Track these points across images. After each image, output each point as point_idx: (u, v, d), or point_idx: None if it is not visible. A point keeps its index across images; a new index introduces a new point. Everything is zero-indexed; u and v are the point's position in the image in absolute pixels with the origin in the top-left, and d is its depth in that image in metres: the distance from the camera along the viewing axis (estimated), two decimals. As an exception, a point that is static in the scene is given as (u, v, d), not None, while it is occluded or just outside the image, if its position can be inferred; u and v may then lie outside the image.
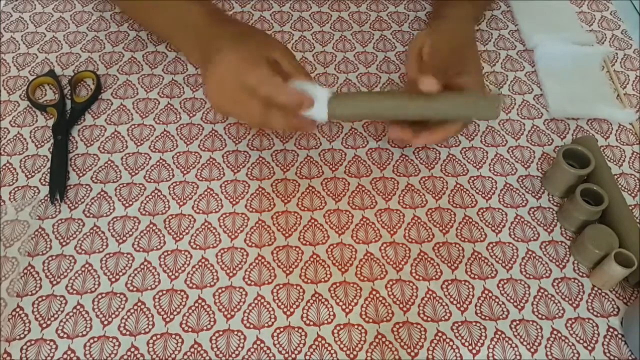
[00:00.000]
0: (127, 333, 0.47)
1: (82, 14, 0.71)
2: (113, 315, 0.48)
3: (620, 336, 0.49)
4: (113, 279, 0.50)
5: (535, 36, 0.70)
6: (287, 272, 0.51)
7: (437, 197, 0.57)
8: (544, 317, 0.49)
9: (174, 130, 0.61)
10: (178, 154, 0.59)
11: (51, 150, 0.58)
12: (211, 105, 0.56)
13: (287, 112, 0.50)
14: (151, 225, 0.53)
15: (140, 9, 0.63)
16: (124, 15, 0.71)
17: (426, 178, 0.58)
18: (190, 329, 0.47)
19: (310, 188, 0.57)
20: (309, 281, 0.50)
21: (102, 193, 0.55)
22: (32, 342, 0.46)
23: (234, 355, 0.46)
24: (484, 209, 0.56)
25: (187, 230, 0.53)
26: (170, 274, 0.50)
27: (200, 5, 0.56)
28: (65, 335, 0.46)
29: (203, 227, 0.53)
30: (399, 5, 0.75)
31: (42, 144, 0.58)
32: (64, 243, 0.52)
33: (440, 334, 0.48)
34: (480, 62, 0.60)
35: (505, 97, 0.66)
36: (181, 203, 0.55)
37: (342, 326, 0.48)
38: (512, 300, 0.50)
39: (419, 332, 0.48)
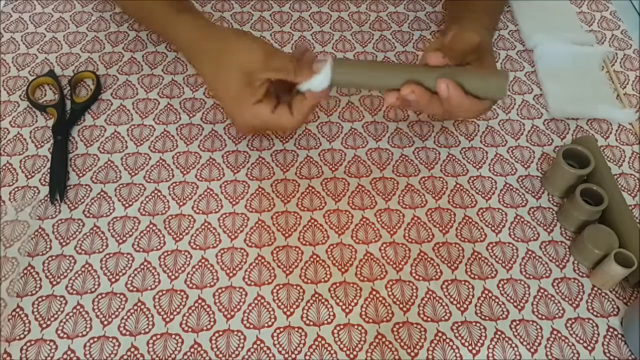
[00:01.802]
0: (127, 333, 0.47)
1: (82, 14, 0.71)
2: (113, 316, 0.48)
3: (620, 336, 0.49)
4: (113, 279, 0.50)
5: (535, 36, 0.70)
6: (287, 272, 0.51)
7: (437, 197, 0.57)
8: (544, 317, 0.49)
9: (173, 131, 0.61)
10: (178, 154, 0.59)
11: (51, 150, 0.58)
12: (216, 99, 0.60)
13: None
14: (151, 226, 0.53)
15: (134, 15, 0.67)
16: (124, 15, 0.71)
17: (426, 178, 0.58)
18: (190, 329, 0.47)
19: (310, 188, 0.57)
20: (309, 281, 0.50)
21: (102, 193, 0.55)
22: (32, 342, 0.46)
23: (234, 355, 0.46)
24: (484, 209, 0.56)
25: (187, 231, 0.53)
26: (170, 274, 0.50)
27: (183, 25, 0.58)
28: (65, 336, 0.46)
29: (203, 227, 0.53)
30: (398, 6, 0.75)
31: (42, 144, 0.58)
32: (64, 243, 0.52)
33: (440, 334, 0.48)
34: (495, 58, 0.59)
35: (505, 98, 0.66)
36: (181, 203, 0.55)
37: (342, 326, 0.48)
38: (512, 301, 0.50)
39: (419, 332, 0.48)
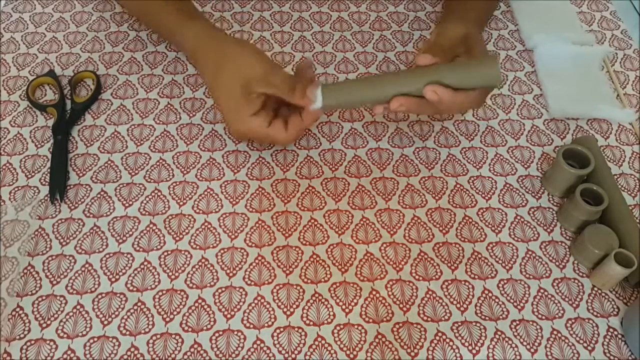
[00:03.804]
0: (127, 333, 0.47)
1: (82, 14, 0.71)
2: (113, 315, 0.48)
3: (620, 336, 0.49)
4: (113, 279, 0.50)
5: (535, 36, 0.70)
6: (287, 272, 0.51)
7: (437, 197, 0.57)
8: (544, 317, 0.49)
9: (174, 130, 0.61)
10: (178, 154, 0.59)
11: (51, 150, 0.58)
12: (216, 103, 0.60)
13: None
14: (151, 225, 0.53)
15: (140, 17, 0.67)
16: (124, 15, 0.71)
17: (426, 178, 0.58)
18: (190, 329, 0.47)
19: (310, 188, 0.57)
20: (309, 281, 0.50)
21: (102, 193, 0.55)
22: (32, 342, 0.46)
23: (234, 355, 0.46)
24: (484, 209, 0.56)
25: (187, 230, 0.53)
26: (170, 274, 0.50)
27: (185, 30, 0.59)
28: (65, 335, 0.46)
29: (203, 227, 0.53)
30: (398, 6, 0.75)
31: (42, 144, 0.58)
32: (64, 243, 0.52)
33: (440, 334, 0.48)
34: (488, 53, 0.60)
35: (505, 97, 0.66)
36: (181, 203, 0.55)
37: (342, 326, 0.48)
38: (512, 301, 0.50)
39: (419, 332, 0.48)
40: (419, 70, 0.51)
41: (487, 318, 0.49)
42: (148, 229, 0.53)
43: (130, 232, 0.53)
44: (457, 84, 0.50)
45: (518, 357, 0.47)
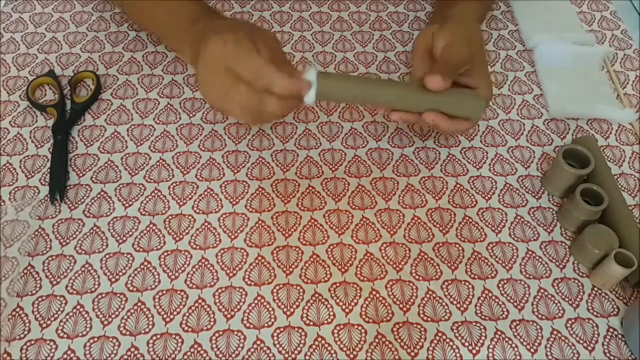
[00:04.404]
0: (127, 333, 0.47)
1: (82, 14, 0.71)
2: (113, 315, 0.48)
3: (620, 336, 0.49)
4: (113, 279, 0.50)
5: (535, 36, 0.70)
6: (287, 272, 0.51)
7: (437, 197, 0.57)
8: (544, 317, 0.49)
9: (173, 130, 0.61)
10: (178, 154, 0.59)
11: (51, 150, 0.58)
12: (206, 101, 0.54)
13: (281, 97, 0.48)
14: (151, 225, 0.53)
15: (136, 9, 0.64)
16: (124, 15, 0.71)
17: (426, 178, 0.58)
18: (190, 329, 0.47)
19: (310, 188, 0.57)
20: (309, 281, 0.50)
21: (102, 193, 0.55)
22: (32, 342, 0.46)
23: (234, 355, 0.46)
24: (484, 209, 0.56)
25: (187, 231, 0.53)
26: (170, 274, 0.50)
27: (190, 4, 0.56)
28: (65, 335, 0.46)
29: (203, 227, 0.53)
30: (398, 5, 0.75)
31: (42, 144, 0.58)
32: (64, 243, 0.52)
33: (440, 334, 0.48)
34: (487, 62, 0.60)
35: (505, 97, 0.66)
36: (181, 203, 0.55)
37: (342, 326, 0.48)
38: (512, 300, 0.50)
39: (419, 332, 0.48)
40: (420, 94, 0.51)
41: (487, 318, 0.49)
42: (148, 229, 0.53)
43: (130, 232, 0.53)
44: (451, 113, 0.53)
45: (518, 357, 0.47)
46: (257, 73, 0.47)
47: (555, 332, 0.48)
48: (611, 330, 0.49)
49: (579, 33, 0.72)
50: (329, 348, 0.47)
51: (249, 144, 0.60)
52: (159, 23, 0.60)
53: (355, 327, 0.48)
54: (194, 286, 0.50)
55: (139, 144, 0.59)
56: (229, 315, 0.48)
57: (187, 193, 0.56)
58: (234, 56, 0.47)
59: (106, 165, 0.57)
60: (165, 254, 0.52)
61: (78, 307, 0.48)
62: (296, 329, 0.48)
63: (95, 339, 0.46)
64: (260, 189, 0.56)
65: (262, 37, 0.49)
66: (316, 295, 0.50)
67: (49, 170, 0.56)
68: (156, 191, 0.56)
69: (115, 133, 0.60)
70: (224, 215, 0.54)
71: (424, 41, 0.55)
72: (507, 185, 0.58)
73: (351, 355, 0.47)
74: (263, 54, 0.48)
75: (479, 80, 0.54)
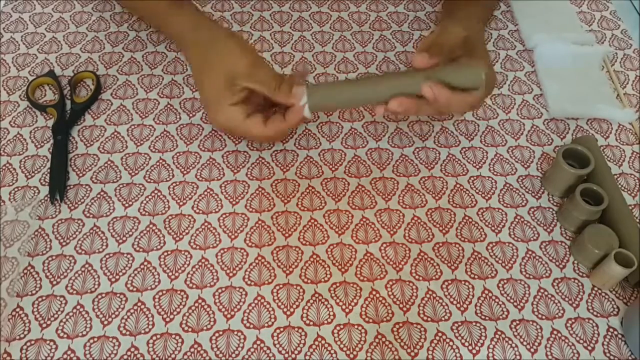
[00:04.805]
0: (127, 333, 0.47)
1: (82, 14, 0.71)
2: (113, 315, 0.48)
3: (620, 336, 0.49)
4: (113, 279, 0.50)
5: (535, 36, 0.70)
6: (287, 272, 0.51)
7: (437, 197, 0.57)
8: (544, 317, 0.49)
9: (173, 130, 0.61)
10: (178, 154, 0.59)
11: (51, 150, 0.58)
12: (199, 94, 0.59)
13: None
14: (151, 226, 0.53)
15: (131, 7, 0.67)
16: (124, 15, 0.71)
17: (426, 178, 0.58)
18: (190, 329, 0.47)
19: (310, 188, 0.57)
20: (309, 281, 0.50)
21: (102, 193, 0.55)
22: (32, 342, 0.46)
23: (234, 355, 0.46)
24: (484, 209, 0.56)
25: (187, 231, 0.53)
26: (170, 274, 0.50)
27: (182, 19, 0.59)
28: (65, 335, 0.46)
29: (203, 227, 0.53)
30: (398, 5, 0.75)
31: (42, 144, 0.58)
32: (64, 243, 0.52)
33: (440, 334, 0.48)
34: (486, 48, 0.60)
35: (505, 97, 0.66)
36: (181, 203, 0.55)
37: (342, 326, 0.48)
38: (512, 300, 0.50)
39: (419, 332, 0.48)
40: (411, 72, 0.51)
41: (487, 318, 0.49)
42: (148, 229, 0.53)
43: (130, 233, 0.53)
44: (450, 85, 0.50)
45: (518, 357, 0.47)
46: (239, 128, 0.54)
47: (555, 332, 0.48)
48: (611, 330, 0.49)
49: (579, 33, 0.72)
50: (329, 348, 0.47)
51: (248, 144, 0.60)
52: (154, 25, 0.63)
53: (355, 327, 0.48)
54: (194, 286, 0.50)
55: (139, 144, 0.59)
56: (229, 315, 0.48)
57: (187, 193, 0.56)
58: (217, 111, 0.54)
59: (106, 165, 0.57)
60: (165, 254, 0.52)
61: (78, 307, 0.48)
62: (296, 329, 0.48)
63: (95, 339, 0.46)
64: (260, 189, 0.56)
65: (238, 74, 0.53)
66: (316, 295, 0.50)
67: (49, 171, 0.56)
68: (156, 191, 0.56)
69: (115, 133, 0.60)
70: (224, 215, 0.54)
71: (426, 42, 0.55)
72: (507, 185, 0.58)
73: (351, 355, 0.47)
74: (249, 93, 0.53)
75: (478, 60, 0.53)
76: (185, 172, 0.57)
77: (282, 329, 0.48)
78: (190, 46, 0.57)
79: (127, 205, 0.55)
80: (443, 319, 0.49)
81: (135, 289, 0.49)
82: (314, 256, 0.52)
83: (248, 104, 0.54)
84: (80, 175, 0.56)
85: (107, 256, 0.51)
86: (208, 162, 0.58)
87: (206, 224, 0.54)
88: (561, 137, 0.62)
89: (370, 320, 0.48)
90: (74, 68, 0.65)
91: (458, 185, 0.58)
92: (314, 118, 0.62)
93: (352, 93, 0.53)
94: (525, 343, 0.48)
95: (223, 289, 0.50)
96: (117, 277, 0.50)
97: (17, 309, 0.48)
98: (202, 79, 0.55)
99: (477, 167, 0.59)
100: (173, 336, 0.47)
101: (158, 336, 0.47)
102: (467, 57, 0.53)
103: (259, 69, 0.54)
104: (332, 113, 0.63)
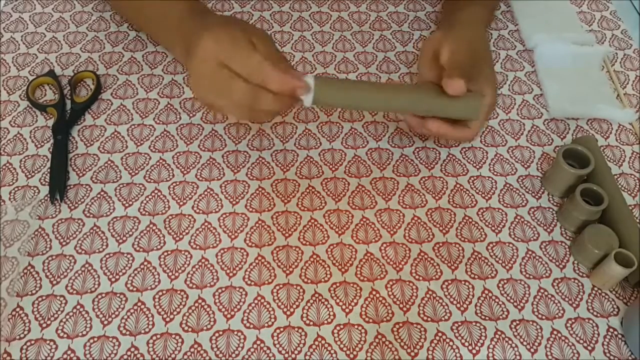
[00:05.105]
0: (127, 333, 0.47)
1: (82, 14, 0.71)
2: (113, 315, 0.48)
3: (620, 336, 0.49)
4: (113, 279, 0.50)
5: (535, 36, 0.70)
6: (287, 272, 0.51)
7: (437, 197, 0.57)
8: (544, 317, 0.49)
9: (174, 130, 0.61)
10: (178, 154, 0.59)
11: (51, 150, 0.58)
12: (195, 97, 0.54)
13: (277, 94, 0.48)
14: (151, 225, 0.53)
15: (128, 8, 0.64)
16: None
17: (426, 178, 0.58)
18: (190, 329, 0.47)
19: (310, 188, 0.57)
20: (309, 281, 0.50)
21: (102, 193, 0.55)
22: (32, 342, 0.46)
23: (234, 355, 0.46)
24: (484, 209, 0.56)
25: (187, 230, 0.53)
26: (170, 274, 0.50)
27: (179, 3, 0.55)
28: (65, 335, 0.46)
29: (203, 227, 0.53)
30: (398, 5, 0.75)
31: (42, 144, 0.58)
32: (64, 243, 0.52)
33: (440, 334, 0.48)
34: (493, 68, 0.60)
35: (505, 97, 0.66)
36: (181, 203, 0.55)
37: (342, 326, 0.48)
38: (512, 300, 0.50)
39: (419, 332, 0.48)
40: (417, 95, 0.52)
41: (487, 318, 0.49)
42: (148, 229, 0.53)
43: (130, 232, 0.53)
44: (449, 114, 0.53)
45: (518, 357, 0.47)
46: (253, 69, 0.46)
47: (555, 332, 0.48)
48: (611, 330, 0.49)
49: (579, 33, 0.72)
50: (329, 348, 0.47)
51: (249, 144, 0.60)
52: (149, 19, 0.60)
53: (355, 327, 0.48)
54: (194, 286, 0.50)
55: (139, 144, 0.59)
56: (229, 315, 0.48)
57: (187, 193, 0.56)
58: (229, 52, 0.47)
59: (106, 165, 0.57)
60: (165, 254, 0.52)
61: (78, 307, 0.48)
62: (296, 329, 0.48)
63: (95, 339, 0.46)
64: (260, 189, 0.56)
65: (257, 34, 0.49)
66: (316, 295, 0.50)
67: (49, 170, 0.56)
68: (156, 191, 0.56)
69: (115, 133, 0.60)
70: (224, 215, 0.54)
71: (431, 47, 0.55)
72: (507, 185, 0.58)
73: (351, 355, 0.47)
74: (259, 50, 0.47)
75: (483, 86, 0.54)
76: (185, 172, 0.57)
77: (282, 329, 0.48)
78: (187, 31, 0.52)
79: (127, 205, 0.55)
80: (443, 319, 0.49)
81: (135, 289, 0.49)
82: (314, 256, 0.52)
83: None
84: (80, 175, 0.56)
85: (107, 256, 0.51)
86: (208, 162, 0.58)
87: (206, 223, 0.54)
88: (561, 137, 0.62)
89: (370, 320, 0.48)
90: (74, 68, 0.65)
91: (458, 185, 0.58)
92: (314, 118, 0.62)
93: (359, 99, 0.52)
94: (525, 343, 0.48)
95: (223, 289, 0.50)
96: (117, 277, 0.50)
97: (17, 309, 0.48)
98: (209, 31, 0.48)
99: (477, 167, 0.59)
100: (173, 336, 0.47)
101: (158, 336, 0.47)
102: (473, 82, 0.53)
103: (260, 32, 0.50)
104: (332, 113, 0.63)
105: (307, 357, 0.46)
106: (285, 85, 0.47)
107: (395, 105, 0.52)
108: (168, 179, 0.57)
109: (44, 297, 0.48)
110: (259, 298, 0.49)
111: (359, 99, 0.51)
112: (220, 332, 0.47)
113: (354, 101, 0.52)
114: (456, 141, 0.60)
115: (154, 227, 0.53)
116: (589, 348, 0.48)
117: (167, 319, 0.48)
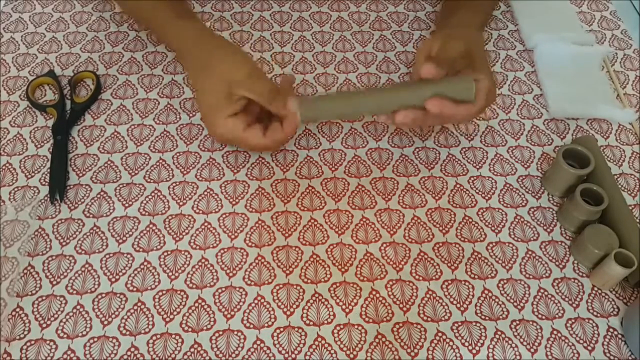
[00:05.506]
0: (127, 333, 0.47)
1: (82, 14, 0.71)
2: (113, 315, 0.48)
3: (620, 336, 0.49)
4: (113, 279, 0.50)
5: (535, 36, 0.70)
6: (287, 272, 0.51)
7: (437, 197, 0.57)
8: (544, 317, 0.49)
9: (173, 130, 0.61)
10: (178, 154, 0.59)
11: (51, 150, 0.58)
12: (199, 109, 0.59)
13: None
14: (151, 226, 0.53)
15: (133, 14, 0.68)
16: (124, 15, 0.71)
17: (426, 178, 0.58)
18: (190, 329, 0.47)
19: (310, 188, 0.57)
20: (309, 281, 0.50)
21: (102, 193, 0.55)
22: (32, 342, 0.46)
23: (234, 355, 0.46)
24: (484, 209, 0.56)
25: (187, 231, 0.53)
26: (170, 274, 0.50)
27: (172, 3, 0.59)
28: (65, 335, 0.46)
29: (203, 227, 0.53)
30: (398, 5, 0.75)
31: (42, 144, 0.58)
32: (64, 243, 0.52)
33: (440, 334, 0.48)
34: (488, 60, 0.60)
35: (505, 97, 0.66)
36: (181, 203, 0.55)
37: (342, 326, 0.48)
38: (512, 300, 0.50)
39: (419, 332, 0.48)
40: (403, 85, 0.53)
41: (487, 318, 0.49)
42: (148, 229, 0.53)
43: (130, 232, 0.53)
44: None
45: (518, 357, 0.47)
46: (235, 135, 0.54)
47: (555, 332, 0.48)
48: (611, 330, 0.49)
49: (579, 33, 0.72)
50: (329, 348, 0.47)
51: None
52: (144, 10, 0.63)
53: (355, 327, 0.48)
54: (194, 286, 0.50)
55: (139, 144, 0.59)
56: (229, 315, 0.48)
57: (187, 193, 0.56)
58: (214, 118, 0.54)
59: (106, 165, 0.57)
60: (165, 254, 0.52)
61: (78, 307, 0.48)
62: (296, 329, 0.48)
63: (95, 339, 0.46)
64: (260, 189, 0.56)
65: (236, 80, 0.53)
66: (316, 295, 0.50)
67: (49, 170, 0.56)
68: (156, 191, 0.56)
69: (115, 133, 0.60)
70: (223, 215, 0.54)
71: (423, 53, 0.56)
72: (507, 185, 0.58)
73: (351, 355, 0.47)
74: (238, 105, 0.53)
75: (476, 73, 0.53)
76: (185, 172, 0.57)
77: (282, 329, 0.48)
78: (190, 59, 0.58)
79: (127, 205, 0.55)
80: (443, 319, 0.49)
81: (135, 289, 0.49)
82: (314, 256, 0.52)
83: (247, 114, 0.54)
84: (80, 175, 0.56)
85: (107, 256, 0.51)
86: (208, 162, 0.58)
87: (206, 224, 0.54)
88: (561, 137, 0.62)
89: (370, 320, 0.48)
90: (74, 68, 0.65)
91: (458, 185, 0.58)
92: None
93: (344, 107, 0.54)
94: (525, 343, 0.48)
95: (223, 289, 0.50)
96: (117, 277, 0.50)
97: (17, 309, 0.48)
98: (201, 93, 0.56)
99: (477, 167, 0.59)
100: (173, 336, 0.47)
101: (158, 336, 0.47)
102: (469, 70, 0.53)
103: (257, 80, 0.54)
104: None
105: (307, 357, 0.46)
106: (276, 140, 0.54)
107: (385, 103, 0.52)
108: (168, 179, 0.57)
109: (44, 297, 0.48)
110: (259, 298, 0.49)
111: (348, 106, 0.53)
112: (220, 332, 0.47)
113: (345, 109, 0.53)
114: (461, 120, 0.58)
115: (154, 227, 0.53)
116: (589, 348, 0.48)
117: (167, 319, 0.48)
